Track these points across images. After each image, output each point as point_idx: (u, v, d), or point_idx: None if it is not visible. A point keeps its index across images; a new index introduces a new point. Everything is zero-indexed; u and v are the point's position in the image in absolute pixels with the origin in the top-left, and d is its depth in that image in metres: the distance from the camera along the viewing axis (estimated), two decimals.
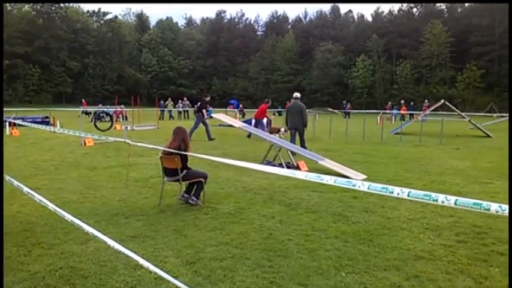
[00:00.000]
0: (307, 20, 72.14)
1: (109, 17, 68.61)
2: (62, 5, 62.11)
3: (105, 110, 21.91)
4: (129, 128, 17.22)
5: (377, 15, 64.72)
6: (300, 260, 3.63)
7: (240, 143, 13.55)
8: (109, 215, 4.97)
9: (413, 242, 4.12)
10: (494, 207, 2.45)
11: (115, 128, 18.59)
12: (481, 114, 29.47)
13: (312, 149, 10.20)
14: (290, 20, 74.40)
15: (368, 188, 3.36)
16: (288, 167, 8.23)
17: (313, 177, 3.96)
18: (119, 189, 6.31)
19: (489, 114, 29.60)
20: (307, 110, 11.00)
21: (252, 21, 76.30)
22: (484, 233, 4.40)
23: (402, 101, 35.14)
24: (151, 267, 2.52)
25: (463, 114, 18.99)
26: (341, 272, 3.38)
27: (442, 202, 2.77)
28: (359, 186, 3.45)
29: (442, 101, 18.02)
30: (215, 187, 6.49)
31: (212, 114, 13.70)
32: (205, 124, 14.16)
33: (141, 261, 2.54)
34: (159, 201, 5.49)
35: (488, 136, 16.79)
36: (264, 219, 4.87)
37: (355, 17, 69.28)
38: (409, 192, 3.05)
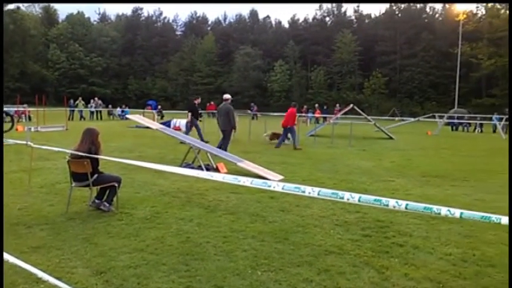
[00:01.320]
0: (227, 22, 72.68)
1: (10, 7, 62.22)
2: None
3: (5, 109, 19.80)
4: (32, 129, 15.77)
5: (293, 22, 67.42)
6: (217, 262, 3.63)
7: (158, 145, 13.17)
8: (8, 224, 4.49)
9: (324, 238, 4.36)
10: (392, 203, 2.69)
11: (16, 129, 16.90)
12: (385, 118, 32.23)
13: (232, 151, 10.29)
14: (210, 22, 74.31)
15: (282, 188, 3.48)
16: (208, 169, 8.20)
17: (230, 179, 4.00)
18: (21, 197, 5.74)
19: (392, 118, 32.49)
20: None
21: (171, 21, 74.74)
22: (386, 227, 4.80)
23: (316, 105, 37.06)
24: (52, 280, 2.33)
25: (369, 118, 20.57)
26: (257, 271, 3.45)
27: (348, 199, 2.97)
28: (274, 187, 3.57)
29: (351, 105, 19.38)
30: (130, 191, 6.23)
31: (128, 116, 13.11)
32: (197, 127, 14.10)
33: (40, 274, 2.34)
34: (67, 208, 5.10)
35: (391, 138, 18.40)
36: (181, 222, 4.78)
37: (273, 22, 71.47)
38: (319, 191, 3.23)
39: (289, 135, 13.69)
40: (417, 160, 11.21)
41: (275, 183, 3.73)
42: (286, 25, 69.11)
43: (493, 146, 16.37)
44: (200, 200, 5.88)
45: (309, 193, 3.25)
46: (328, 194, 3.18)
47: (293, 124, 13.51)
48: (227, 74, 63.67)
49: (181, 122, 21.16)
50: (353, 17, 65.18)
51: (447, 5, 54.08)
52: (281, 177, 7.81)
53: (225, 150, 10.71)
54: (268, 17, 72.07)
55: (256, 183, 3.62)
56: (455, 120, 28.89)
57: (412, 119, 30.31)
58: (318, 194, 3.19)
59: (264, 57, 61.67)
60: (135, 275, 3.32)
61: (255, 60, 60.84)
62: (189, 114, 13.80)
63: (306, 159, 10.82)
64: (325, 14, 65.11)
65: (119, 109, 34.46)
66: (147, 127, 10.54)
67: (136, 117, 10.66)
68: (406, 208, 2.60)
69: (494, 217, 2.33)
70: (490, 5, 49.50)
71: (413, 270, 3.56)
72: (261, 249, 3.96)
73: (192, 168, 8.16)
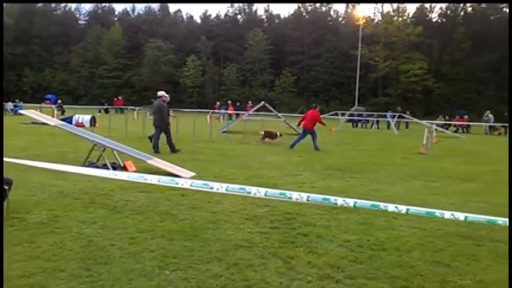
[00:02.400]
0: (136, 14, 69.54)
1: None
2: None
3: None
4: None
5: (205, 17, 66.99)
6: (122, 264, 3.47)
7: (57, 143, 12.15)
8: None
9: (235, 232, 4.43)
10: (295, 195, 2.83)
11: None
12: (294, 115, 33.68)
13: (142, 148, 9.91)
14: (117, 13, 70.41)
15: (191, 185, 3.46)
16: (114, 168, 7.79)
17: (136, 177, 3.85)
18: None
19: (300, 115, 34.07)
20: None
21: (73, 9, 69.22)
22: (293, 219, 5.04)
23: (229, 102, 37.38)
24: None
25: (279, 114, 21.33)
26: (165, 270, 3.38)
27: (255, 194, 3.05)
28: (182, 184, 3.53)
29: (263, 102, 19.90)
30: (24, 194, 5.66)
31: (21, 111, 11.85)
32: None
33: None
34: None
35: (299, 134, 19.29)
36: (83, 226, 4.48)
37: (184, 17, 70.22)
38: (227, 187, 3.27)
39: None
40: (322, 155, 11.93)
41: (183, 180, 3.69)
42: (198, 20, 68.42)
43: (387, 141, 18.10)
44: (105, 201, 5.57)
45: (217, 189, 3.27)
46: (236, 189, 3.24)
47: (313, 127, 13.54)
48: (136, 67, 60.95)
49: (85, 118, 19.83)
50: (264, 17, 66.86)
51: (349, 9, 58.22)
52: (193, 174, 7.74)
53: (157, 147, 10.88)
54: (179, 10, 70.60)
55: (164, 180, 3.54)
56: (356, 118, 31.30)
57: None
58: (226, 190, 3.23)
59: (175, 51, 60.32)
60: (29, 284, 3.04)
61: (166, 55, 59.21)
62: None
63: (218, 155, 10.86)
64: (237, 12, 65.83)
65: (10, 104, 30.98)
66: (44, 123, 9.66)
67: (31, 112, 9.69)
68: (307, 200, 2.76)
69: (382, 205, 2.58)
70: (385, 11, 54.53)
71: (316, 257, 3.78)
72: (170, 248, 3.88)
73: (97, 167, 7.69)
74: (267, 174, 8.22)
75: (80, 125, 18.20)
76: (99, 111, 32.46)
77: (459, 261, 3.84)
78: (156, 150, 10.78)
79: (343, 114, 30.01)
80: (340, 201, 2.50)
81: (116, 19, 67.83)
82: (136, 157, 8.15)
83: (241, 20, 65.78)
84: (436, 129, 19.84)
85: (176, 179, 3.27)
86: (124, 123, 17.22)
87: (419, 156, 12.48)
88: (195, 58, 58.40)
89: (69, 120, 18.55)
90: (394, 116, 27.85)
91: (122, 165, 8.12)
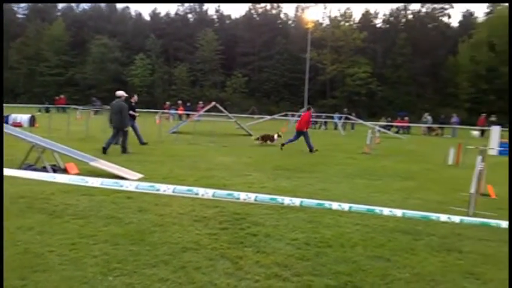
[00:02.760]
0: (80, 9, 66.50)
1: None
2: None
3: None
4: None
5: (155, 15, 65.45)
6: (62, 272, 3.30)
7: None
8: None
9: (183, 234, 4.36)
10: (242, 196, 2.84)
11: None
12: (245, 116, 33.83)
13: (86, 149, 9.49)
14: (60, 7, 66.88)
15: (136, 188, 3.35)
16: (55, 171, 7.39)
17: (77, 180, 3.67)
18: None
19: (251, 116, 34.30)
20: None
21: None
22: (243, 219, 5.05)
23: (180, 102, 36.79)
24: None
25: (230, 115, 21.33)
26: (108, 276, 3.26)
27: (202, 195, 3.02)
28: (127, 187, 3.41)
29: (213, 103, 19.80)
30: None
31: None
32: (134, 128, 12.88)
33: None
34: None
35: (250, 135, 19.40)
36: (19, 232, 4.20)
37: (133, 14, 68.17)
38: (174, 188, 3.20)
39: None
40: (272, 155, 12.08)
41: (128, 182, 3.56)
42: (147, 18, 66.68)
43: (334, 141, 18.69)
44: (43, 205, 5.26)
45: (164, 191, 3.20)
46: (183, 190, 3.18)
47: (307, 128, 13.65)
48: (80, 65, 58.23)
49: (23, 118, 18.70)
50: (215, 17, 66.54)
51: (299, 13, 59.48)
52: (140, 175, 7.52)
53: (107, 147, 10.53)
54: (127, 7, 68.43)
55: (107, 183, 3.40)
56: None
57: (269, 117, 32.50)
58: (173, 192, 3.17)
59: (123, 49, 58.38)
60: None
61: (113, 52, 57.15)
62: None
63: (167, 156, 10.65)
64: (188, 11, 64.98)
65: None
66: None
67: None
68: (255, 200, 2.77)
69: (326, 203, 2.66)
70: (332, 16, 56.33)
71: (264, 257, 3.82)
72: (114, 254, 3.74)
73: (35, 170, 7.24)
74: (217, 175, 8.18)
75: (17, 124, 17.08)
76: (39, 111, 30.63)
77: (398, 255, 4.05)
78: (124, 151, 10.81)
79: (293, 116, 30.59)
80: (287, 200, 2.55)
81: (58, 14, 64.44)
82: (79, 159, 7.79)
83: (191, 19, 65.00)
84: (379, 130, 20.80)
85: (121, 181, 3.16)
86: (66, 123, 16.39)
87: (364, 156, 13.01)
88: (144, 57, 56.88)
89: (5, 120, 17.33)
90: (341, 117, 28.85)
91: (62, 167, 7.72)
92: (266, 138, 15.56)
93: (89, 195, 5.77)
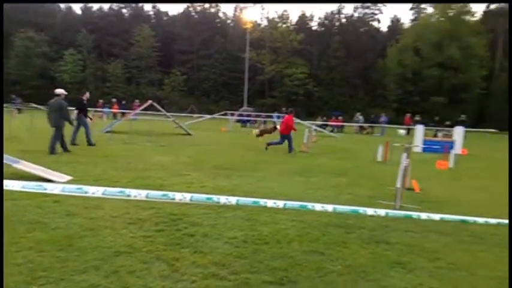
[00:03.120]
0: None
1: None
2: None
3: None
4: None
5: (86, 9, 62.13)
6: None
7: None
8: None
9: (115, 238, 4.18)
10: (178, 196, 2.78)
11: None
12: (184, 114, 33.31)
13: (9, 151, 8.74)
14: None
15: (62, 190, 3.15)
16: None
17: None
18: None
19: (190, 115, 33.86)
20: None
21: None
22: (179, 220, 4.95)
23: (114, 100, 35.27)
24: None
25: (168, 114, 20.89)
26: (32, 285, 3.03)
27: (135, 196, 2.92)
28: (51, 190, 3.19)
29: (150, 101, 19.24)
30: None
31: None
32: (85, 126, 12.52)
33: None
34: None
35: (189, 134, 19.15)
36: None
37: (62, 7, 64.13)
38: (104, 190, 3.06)
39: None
40: (211, 154, 12.02)
41: (53, 185, 3.34)
42: (78, 11, 63.10)
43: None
44: None
45: (93, 193, 3.04)
46: (114, 192, 3.05)
47: (289, 132, 13.49)
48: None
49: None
50: (152, 13, 64.71)
51: (237, 12, 59.71)
52: (68, 177, 7.09)
53: (54, 148, 10.20)
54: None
55: (29, 186, 3.16)
56: (244, 118, 32.27)
57: (209, 116, 32.31)
58: (103, 194, 3.02)
59: (51, 43, 54.75)
60: None
61: (40, 47, 53.38)
62: (76, 112, 12.55)
63: (100, 157, 10.15)
64: (123, 6, 62.51)
65: None
66: None
67: None
68: (191, 200, 2.73)
69: (262, 201, 2.69)
70: (271, 17, 57.30)
71: (202, 257, 3.78)
72: (39, 261, 3.49)
73: None
74: (154, 175, 7.96)
75: None
76: None
77: (332, 248, 4.21)
78: (65, 149, 10.53)
79: (232, 115, 30.67)
80: (223, 199, 2.54)
81: None
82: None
83: (126, 15, 62.61)
84: (315, 130, 21.55)
85: (45, 184, 2.95)
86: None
87: (301, 154, 13.39)
88: (74, 52, 53.82)
89: None
90: (280, 116, 29.41)
91: None
92: (265, 132, 15.76)
93: (11, 199, 5.31)
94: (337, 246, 4.29)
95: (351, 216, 5.19)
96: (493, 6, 52.60)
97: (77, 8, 64.09)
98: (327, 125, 30.85)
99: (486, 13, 54.12)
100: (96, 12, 62.02)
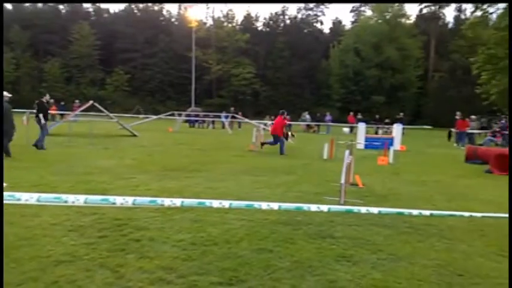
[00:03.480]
0: None
1: None
2: None
3: None
4: None
5: (18, 5, 58.15)
6: None
7: None
8: None
9: (55, 247, 3.95)
10: (119, 200, 2.68)
11: None
12: (129, 115, 32.24)
13: None
14: None
15: None
16: None
17: None
18: None
19: (136, 116, 32.83)
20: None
21: None
22: (124, 224, 4.78)
23: (52, 100, 33.28)
24: None
25: (111, 115, 20.07)
26: None
27: (73, 202, 2.77)
28: None
29: (91, 102, 18.38)
30: None
31: None
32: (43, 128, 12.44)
33: None
34: None
35: (134, 135, 18.57)
36: None
37: None
38: (39, 197, 2.87)
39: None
40: (158, 156, 11.73)
41: None
42: (9, 7, 58.85)
43: (222, 140, 18.98)
44: None
45: (26, 200, 2.84)
46: (50, 199, 2.87)
47: (281, 133, 13.56)
48: None
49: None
50: (91, 9, 61.93)
51: (182, 11, 58.69)
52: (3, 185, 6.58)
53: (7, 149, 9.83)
54: None
55: None
56: (192, 118, 31.88)
57: (155, 117, 31.53)
58: (38, 201, 2.83)
59: None
60: None
61: None
62: (41, 115, 12.51)
63: (37, 161, 9.55)
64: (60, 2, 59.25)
65: None
66: None
67: None
68: (133, 204, 2.64)
69: (207, 202, 2.66)
70: (216, 16, 57.03)
71: (148, 262, 3.68)
72: None
73: None
74: (96, 179, 7.62)
75: None
76: None
77: (280, 246, 4.28)
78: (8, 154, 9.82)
79: (179, 115, 30.17)
80: (167, 201, 2.48)
81: None
82: None
83: (64, 11, 59.42)
84: (263, 129, 21.77)
85: None
86: None
87: (250, 153, 13.48)
88: (7, 50, 50.10)
89: None
90: (228, 116, 29.42)
91: None
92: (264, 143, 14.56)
93: None
94: (285, 243, 4.36)
95: (299, 213, 5.30)
96: (425, 10, 56.26)
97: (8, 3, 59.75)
98: None
99: (419, 17, 57.82)
100: (29, 8, 58.24)
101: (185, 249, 4.03)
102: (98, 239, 4.23)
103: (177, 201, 2.47)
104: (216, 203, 2.47)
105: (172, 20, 62.63)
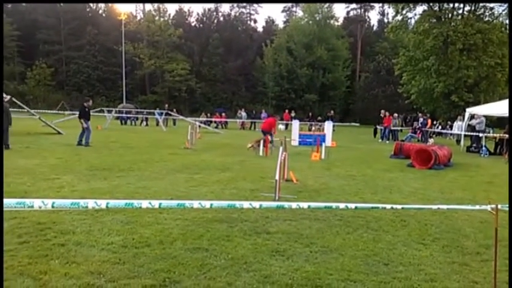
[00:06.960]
0: None
1: None
2: None
3: None
4: None
5: None
6: None
7: None
8: None
9: None
10: (37, 203, 2.47)
11: None
12: (53, 112, 30.13)
13: None
14: None
15: None
16: None
17: None
18: None
19: (61, 112, 30.78)
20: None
21: None
22: (48, 229, 4.45)
23: None
24: None
25: (32, 111, 18.62)
26: None
27: None
28: None
29: (9, 97, 16.84)
30: None
31: None
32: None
33: None
34: None
35: (59, 133, 17.38)
36: None
37: None
38: None
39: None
40: (86, 155, 11.09)
41: None
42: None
43: (156, 138, 18.45)
44: None
45: None
46: None
47: (270, 130, 14.54)
48: None
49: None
50: None
51: (109, 4, 55.83)
52: None
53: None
54: None
55: None
56: (124, 115, 30.60)
57: None
58: None
59: None
60: None
61: None
62: (83, 120, 13.80)
63: None
64: None
65: None
66: None
67: None
68: (53, 206, 2.45)
69: (136, 203, 2.55)
70: (147, 9, 55.09)
71: (75, 267, 3.45)
72: None
73: None
74: (15, 181, 7.00)
75: None
76: None
77: (216, 244, 4.24)
78: None
79: (109, 112, 28.80)
80: (91, 203, 2.33)
81: None
82: None
83: None
84: (199, 126, 21.51)
85: None
86: None
87: (185, 151, 13.24)
88: None
89: None
90: (162, 113, 28.65)
91: None
92: (257, 143, 14.00)
93: None
94: (221, 241, 4.33)
95: (235, 210, 5.30)
96: (351, 13, 59.32)
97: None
98: (211, 122, 31.09)
99: (346, 19, 60.81)
100: None
101: (115, 252, 3.85)
102: (18, 246, 3.88)
103: (103, 203, 2.33)
104: (145, 203, 2.37)
105: (100, 11, 59.37)
